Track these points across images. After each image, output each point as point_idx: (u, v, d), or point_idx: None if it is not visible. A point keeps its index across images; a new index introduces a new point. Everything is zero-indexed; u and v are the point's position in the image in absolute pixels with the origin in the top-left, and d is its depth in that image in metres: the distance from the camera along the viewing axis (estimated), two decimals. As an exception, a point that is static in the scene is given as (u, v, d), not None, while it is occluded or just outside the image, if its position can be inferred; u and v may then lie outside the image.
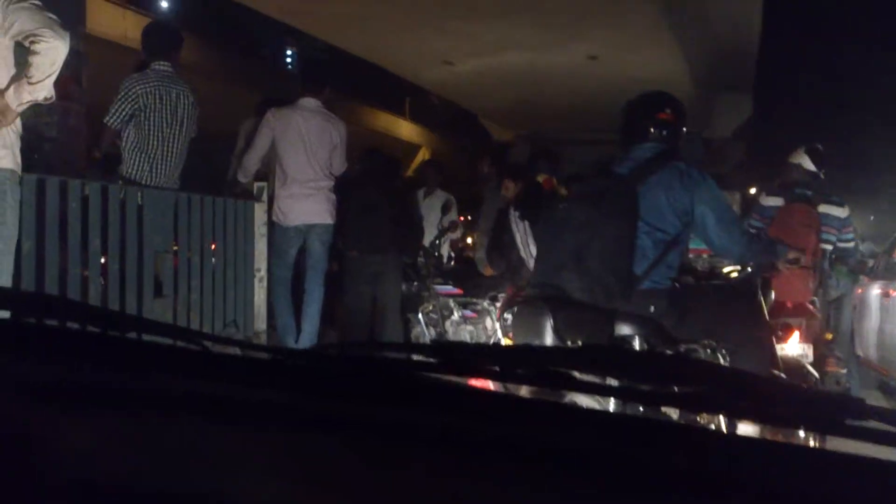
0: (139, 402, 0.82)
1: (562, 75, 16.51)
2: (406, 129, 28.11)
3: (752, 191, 16.63)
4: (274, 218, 5.33)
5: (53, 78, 3.50)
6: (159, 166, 4.71)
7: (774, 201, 5.64)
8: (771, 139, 19.83)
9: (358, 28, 14.73)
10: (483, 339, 6.12)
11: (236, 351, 1.11)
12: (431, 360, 0.97)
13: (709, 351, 3.16)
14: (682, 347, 3.08)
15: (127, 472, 0.68)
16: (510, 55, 15.44)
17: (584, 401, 1.75)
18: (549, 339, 3.10)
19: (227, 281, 5.21)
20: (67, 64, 6.28)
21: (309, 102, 5.28)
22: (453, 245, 7.68)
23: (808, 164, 5.81)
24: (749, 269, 4.29)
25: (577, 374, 0.91)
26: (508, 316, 4.34)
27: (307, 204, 5.21)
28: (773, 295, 4.32)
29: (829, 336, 5.92)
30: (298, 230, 5.24)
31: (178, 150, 4.79)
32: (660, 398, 0.98)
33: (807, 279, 5.08)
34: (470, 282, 6.80)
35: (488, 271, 5.98)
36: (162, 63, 4.84)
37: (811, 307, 5.09)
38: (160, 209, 4.55)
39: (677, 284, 3.61)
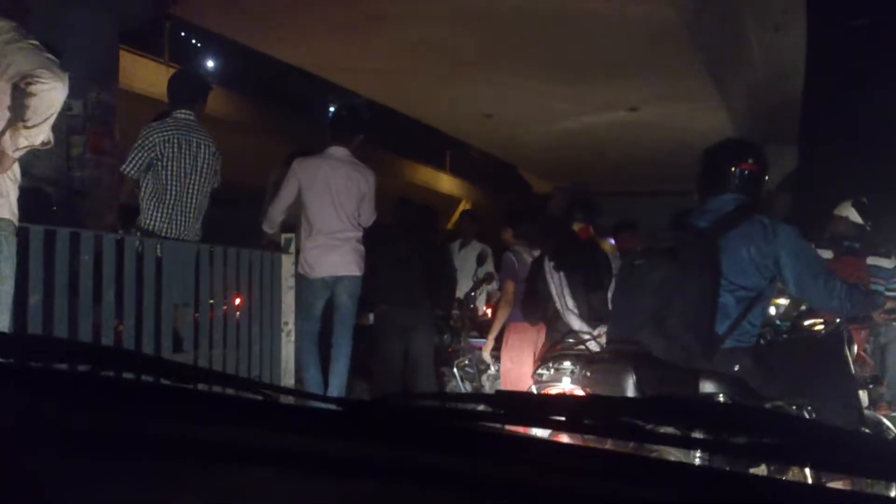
0: (210, 455, 0.82)
1: (602, 127, 16.29)
2: (446, 183, 28.04)
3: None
4: (300, 270, 5.10)
5: (51, 122, 3.33)
6: (178, 217, 4.54)
7: (824, 254, 5.45)
8: (817, 191, 19.30)
9: (397, 83, 14.74)
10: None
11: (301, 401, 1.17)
12: (496, 410, 0.97)
13: (794, 408, 3.04)
14: (769, 405, 2.95)
15: None
16: (550, 107, 15.29)
17: (654, 452, 1.71)
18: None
19: (252, 335, 4.99)
20: (101, 119, 6.27)
21: (337, 151, 5.08)
22: (490, 297, 7.37)
23: (855, 217, 5.86)
24: (836, 321, 4.05)
25: (646, 425, 0.89)
26: (543, 372, 4.03)
27: (334, 256, 4.98)
28: (855, 348, 4.07)
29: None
30: (325, 283, 5.00)
31: (197, 200, 4.61)
32: (735, 449, 0.96)
33: (861, 329, 5.02)
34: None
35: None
36: (184, 111, 4.70)
37: (864, 355, 5.05)
38: (179, 261, 4.35)
39: (762, 341, 3.46)
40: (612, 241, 6.63)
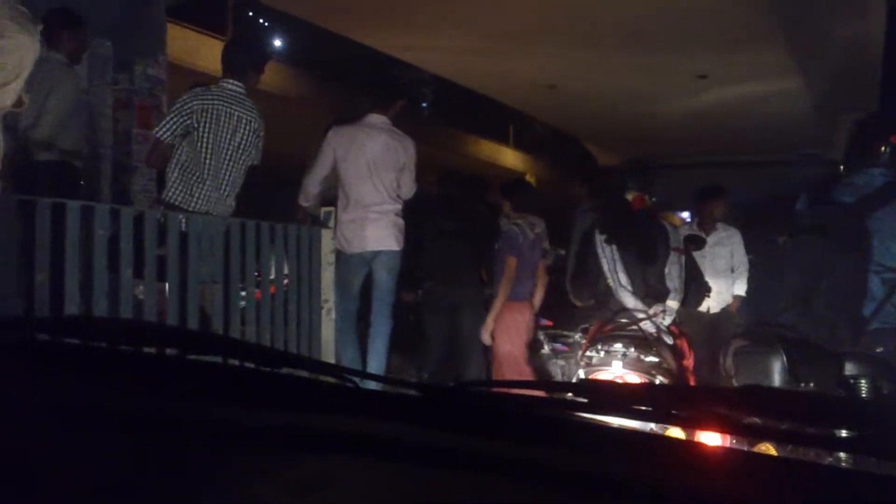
0: (288, 441, 0.83)
1: (669, 96, 15.58)
2: (510, 157, 27.42)
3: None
4: (336, 245, 4.79)
5: (21, 81, 2.98)
6: (206, 191, 4.27)
7: None
8: (899, 159, 18.15)
9: (461, 56, 14.35)
10: (574, 375, 5.41)
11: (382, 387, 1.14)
12: (581, 399, 0.95)
13: None
14: None
15: None
16: (615, 77, 14.68)
17: (742, 444, 1.59)
18: (778, 381, 2.93)
19: (288, 313, 4.72)
20: (149, 92, 6.06)
21: (375, 119, 4.73)
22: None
23: None
24: None
25: (734, 415, 0.87)
26: (592, 354, 3.65)
27: (372, 230, 4.65)
28: None
29: None
30: (363, 258, 4.69)
31: (232, 175, 4.33)
32: (827, 442, 0.92)
33: None
34: (561, 313, 6.12)
35: (579, 302, 5.31)
36: (232, 81, 4.43)
37: None
38: (205, 236, 4.09)
39: None
40: (682, 215, 6.24)
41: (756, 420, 0.93)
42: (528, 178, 27.28)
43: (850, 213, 3.16)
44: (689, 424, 1.00)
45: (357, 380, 1.06)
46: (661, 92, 15.35)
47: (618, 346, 3.59)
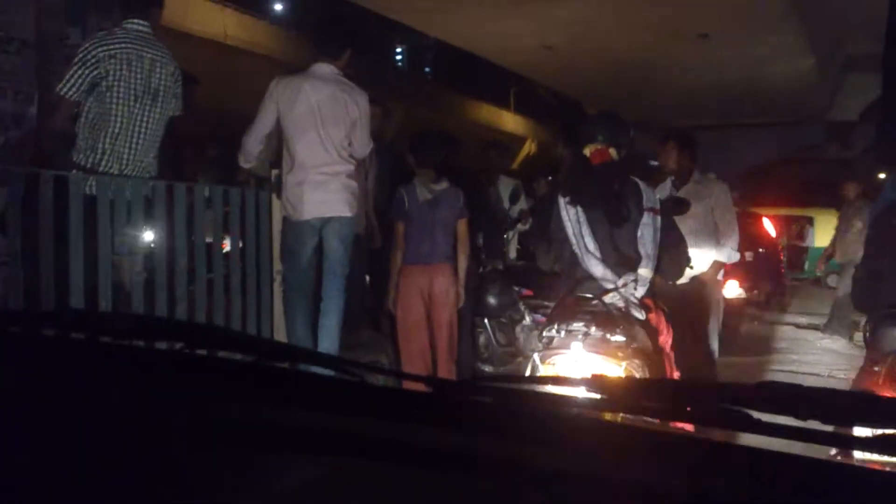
0: (296, 440, 0.79)
1: (670, 57, 14.79)
2: (510, 121, 26.62)
3: (882, 176, 14.49)
4: (283, 211, 4.14)
5: None
6: (123, 149, 3.61)
7: None
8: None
9: (456, 16, 13.64)
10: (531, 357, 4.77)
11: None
12: (593, 395, 0.91)
13: None
14: None
15: None
16: (613, 37, 13.91)
17: (760, 441, 1.07)
18: None
19: (232, 286, 4.12)
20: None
21: (322, 69, 4.05)
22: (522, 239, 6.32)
23: None
24: None
25: (752, 412, 0.83)
26: (551, 335, 3.03)
27: (320, 193, 4.00)
28: None
29: None
30: (311, 225, 4.03)
31: (149, 129, 3.67)
32: (845, 440, 0.90)
33: None
34: (543, 281, 5.46)
35: (545, 268, 4.70)
36: (136, 21, 3.72)
37: None
38: (120, 201, 3.45)
39: None
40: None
41: (771, 417, 0.86)
42: (530, 142, 26.53)
43: None
44: (703, 422, 0.93)
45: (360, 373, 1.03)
46: (662, 52, 14.58)
47: (578, 325, 2.95)
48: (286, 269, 4.17)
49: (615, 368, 2.88)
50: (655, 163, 5.36)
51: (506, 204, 5.94)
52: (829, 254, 8.52)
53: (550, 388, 1.11)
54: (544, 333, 3.08)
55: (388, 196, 4.86)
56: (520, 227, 6.11)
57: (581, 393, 0.95)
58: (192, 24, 14.40)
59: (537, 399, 0.99)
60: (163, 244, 3.69)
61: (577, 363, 2.91)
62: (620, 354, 2.92)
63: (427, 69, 30.93)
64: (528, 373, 3.08)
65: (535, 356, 3.00)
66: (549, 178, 6.56)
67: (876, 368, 3.00)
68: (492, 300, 5.68)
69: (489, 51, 16.51)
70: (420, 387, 1.00)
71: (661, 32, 13.54)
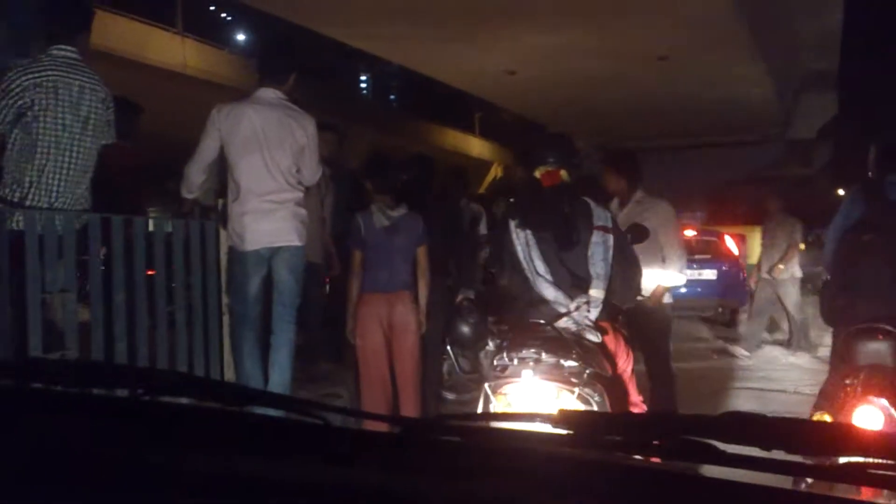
0: (255, 492, 0.76)
1: (630, 79, 14.85)
2: (476, 146, 26.64)
3: (841, 192, 14.62)
4: (229, 242, 3.94)
5: None
6: (52, 181, 3.39)
7: None
8: (860, 137, 17.63)
9: (418, 43, 13.60)
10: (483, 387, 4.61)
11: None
12: (559, 431, 0.91)
13: None
14: None
15: None
16: (574, 61, 13.95)
17: (728, 474, 1.03)
18: None
19: (178, 323, 3.90)
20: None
21: (266, 94, 3.88)
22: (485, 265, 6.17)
23: None
24: None
25: (717, 443, 0.82)
26: (504, 363, 2.86)
27: (268, 222, 3.81)
28: None
29: None
30: (259, 256, 3.83)
31: (79, 159, 3.46)
32: (810, 471, 0.89)
33: None
34: (503, 305, 5.28)
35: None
36: (62, 47, 3.52)
37: None
38: (50, 235, 3.23)
39: None
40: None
41: (741, 448, 0.84)
42: (496, 166, 26.53)
43: None
44: (672, 455, 0.88)
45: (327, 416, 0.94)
46: (622, 75, 14.64)
47: (529, 352, 2.78)
48: (233, 302, 3.96)
49: (568, 396, 2.72)
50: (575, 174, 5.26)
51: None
52: (758, 269, 8.48)
53: (518, 425, 1.10)
54: (495, 362, 2.91)
55: (348, 223, 4.68)
56: (480, 252, 5.96)
57: (548, 428, 0.92)
58: (152, 55, 14.21)
59: (506, 437, 0.98)
60: (98, 280, 3.47)
61: (529, 391, 2.74)
62: (574, 381, 2.75)
63: (392, 97, 30.90)
64: (481, 403, 2.90)
65: (486, 386, 2.83)
66: (511, 200, 6.44)
67: (848, 381, 2.95)
68: (465, 330, 5.50)
69: (452, 77, 16.51)
70: (386, 427, 0.97)
71: (622, 55, 13.61)
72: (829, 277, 3.67)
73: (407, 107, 25.17)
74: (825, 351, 5.83)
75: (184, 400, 1.05)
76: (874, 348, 2.97)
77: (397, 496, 0.75)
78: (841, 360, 3.15)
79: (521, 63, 14.51)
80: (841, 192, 14.16)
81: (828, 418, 2.97)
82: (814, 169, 22.93)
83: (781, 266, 7.66)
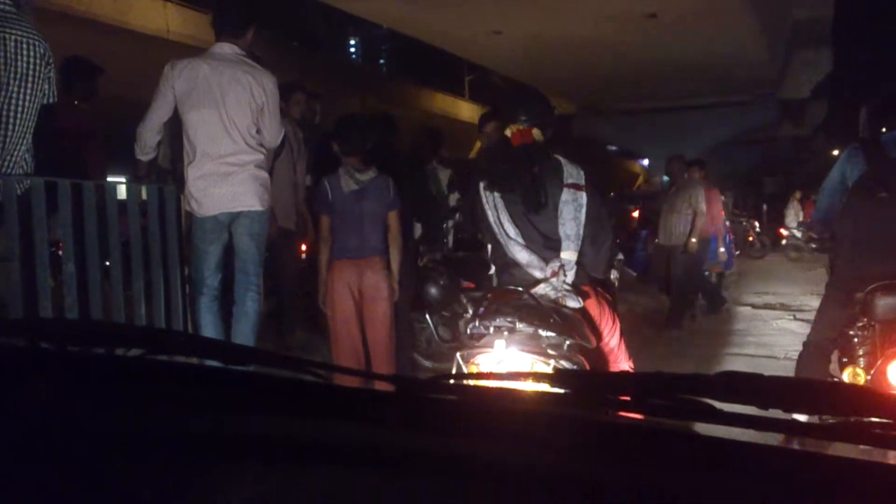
0: (248, 449, 0.78)
1: (619, 37, 14.54)
2: (466, 110, 26.17)
3: (836, 153, 14.43)
4: (186, 207, 3.72)
5: None
6: (-13, 143, 3.17)
7: None
8: (855, 96, 17.38)
9: (405, 5, 13.28)
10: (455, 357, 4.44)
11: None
12: (557, 390, 0.93)
13: None
14: None
15: None
16: (562, 20, 13.63)
17: (721, 432, 0.97)
18: None
19: (135, 293, 3.70)
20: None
21: (223, 49, 3.63)
22: (458, 230, 5.94)
23: None
24: None
25: (713, 402, 0.83)
26: (475, 332, 2.68)
27: (226, 186, 3.58)
28: None
29: None
30: (219, 221, 3.62)
31: (18, 119, 3.23)
32: (806, 429, 0.90)
33: None
34: (484, 273, 5.08)
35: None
36: None
37: None
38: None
39: None
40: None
41: (734, 407, 0.83)
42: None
43: None
44: (669, 414, 0.89)
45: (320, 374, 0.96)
46: (611, 34, 14.32)
47: (502, 320, 2.59)
48: (193, 271, 3.76)
49: (543, 367, 2.53)
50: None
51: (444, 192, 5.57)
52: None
53: (514, 385, 1.08)
54: (469, 330, 2.73)
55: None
56: (457, 217, 5.74)
57: (545, 388, 0.93)
58: (134, 20, 13.83)
59: (502, 397, 0.99)
60: (44, 248, 3.26)
61: (501, 362, 2.56)
62: (552, 353, 2.57)
63: (381, 61, 30.41)
64: (454, 373, 2.72)
65: (458, 355, 2.64)
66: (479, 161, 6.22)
67: (867, 335, 3.09)
68: (434, 292, 5.32)
69: (439, 38, 16.17)
70: (384, 386, 0.97)
71: (610, 14, 13.31)
72: (829, 235, 3.62)
73: (395, 70, 24.75)
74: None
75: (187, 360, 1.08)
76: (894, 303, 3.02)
77: (396, 451, 0.75)
78: (861, 315, 3.13)
79: (508, 23, 14.20)
80: (836, 152, 13.99)
81: (861, 373, 2.96)
82: (807, 129, 22.68)
83: (694, 239, 7.29)
